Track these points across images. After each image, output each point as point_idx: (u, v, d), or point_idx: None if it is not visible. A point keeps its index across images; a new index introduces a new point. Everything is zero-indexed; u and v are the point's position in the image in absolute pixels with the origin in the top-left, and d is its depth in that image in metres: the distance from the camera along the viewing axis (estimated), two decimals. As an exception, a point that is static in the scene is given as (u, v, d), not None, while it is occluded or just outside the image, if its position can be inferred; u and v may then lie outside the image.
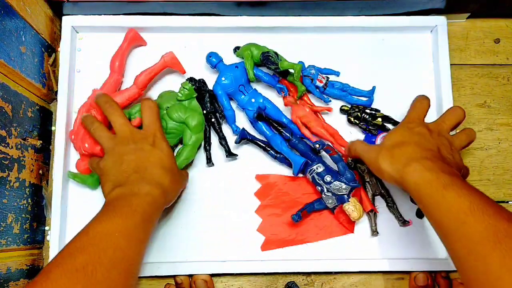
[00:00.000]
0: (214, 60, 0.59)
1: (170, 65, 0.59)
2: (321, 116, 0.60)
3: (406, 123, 0.53)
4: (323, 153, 0.58)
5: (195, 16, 0.61)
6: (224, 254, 0.57)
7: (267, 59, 0.58)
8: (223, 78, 0.58)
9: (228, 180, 0.59)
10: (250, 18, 0.61)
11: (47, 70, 0.61)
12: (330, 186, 0.55)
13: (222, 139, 0.59)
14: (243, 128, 0.58)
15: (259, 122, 0.58)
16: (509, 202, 0.61)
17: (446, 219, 0.42)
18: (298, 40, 0.62)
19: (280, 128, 0.58)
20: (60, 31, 0.61)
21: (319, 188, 0.56)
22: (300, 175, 0.57)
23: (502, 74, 0.64)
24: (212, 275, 0.57)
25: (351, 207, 0.55)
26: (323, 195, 0.56)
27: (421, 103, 0.55)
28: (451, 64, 0.61)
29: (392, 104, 0.61)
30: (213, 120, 0.59)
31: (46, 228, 0.59)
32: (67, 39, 0.60)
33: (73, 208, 0.59)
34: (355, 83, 0.62)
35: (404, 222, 0.57)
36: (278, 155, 0.58)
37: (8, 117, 0.52)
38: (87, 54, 0.62)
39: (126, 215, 0.44)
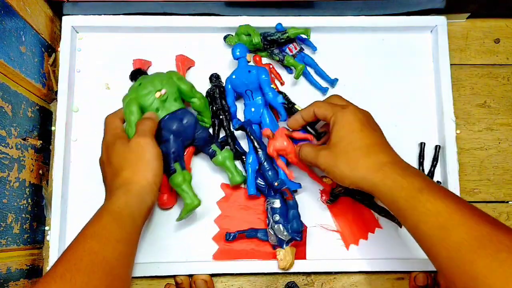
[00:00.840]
0: (237, 53, 0.57)
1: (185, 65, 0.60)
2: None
3: (341, 108, 0.48)
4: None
5: (195, 16, 0.61)
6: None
7: (272, 55, 0.60)
8: (234, 76, 0.57)
9: (227, 180, 0.59)
10: (250, 18, 0.61)
11: (47, 70, 0.61)
12: (275, 226, 0.54)
13: (229, 137, 0.58)
14: (249, 120, 0.57)
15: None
16: (509, 202, 0.61)
17: (423, 224, 0.40)
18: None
19: (258, 148, 0.56)
20: (60, 31, 0.61)
21: (267, 221, 0.56)
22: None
23: (502, 74, 0.64)
24: (212, 275, 0.56)
25: (281, 255, 0.54)
26: (268, 229, 0.55)
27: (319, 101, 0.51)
28: (451, 64, 0.61)
29: (392, 104, 0.61)
30: (221, 117, 0.59)
31: (46, 228, 0.59)
32: (67, 39, 0.60)
33: (73, 208, 0.59)
34: (355, 83, 0.62)
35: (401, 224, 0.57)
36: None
37: (8, 117, 0.52)
38: (87, 54, 0.62)
39: (95, 217, 0.44)
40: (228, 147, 0.58)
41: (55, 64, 0.63)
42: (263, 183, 0.56)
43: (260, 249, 0.57)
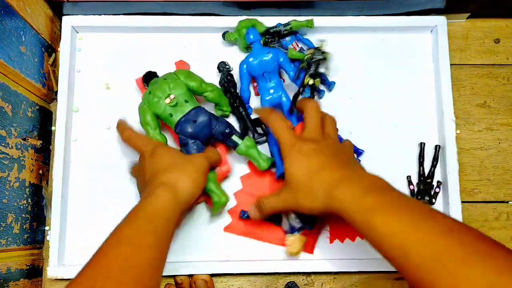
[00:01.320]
0: (251, 37, 0.57)
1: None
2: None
3: (289, 148, 0.49)
4: None
5: (195, 16, 0.61)
6: (224, 254, 0.57)
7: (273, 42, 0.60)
8: (251, 59, 0.57)
9: (227, 180, 0.59)
10: (250, 18, 0.61)
11: (47, 70, 0.61)
12: (290, 213, 0.54)
13: (249, 124, 0.58)
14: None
15: None
16: (509, 202, 0.61)
17: (384, 244, 0.40)
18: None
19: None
20: (60, 31, 0.61)
21: None
22: None
23: (502, 74, 0.64)
24: (212, 275, 0.56)
25: (290, 241, 0.54)
26: (283, 215, 0.55)
27: (278, 123, 0.51)
28: (451, 64, 0.61)
29: (392, 104, 0.61)
30: (236, 104, 0.59)
31: (46, 228, 0.59)
32: (67, 39, 0.60)
33: (73, 208, 0.59)
34: (355, 83, 0.62)
35: None
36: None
37: (8, 117, 0.52)
38: (87, 54, 0.62)
39: (129, 218, 0.43)
40: (249, 135, 0.58)
41: (55, 64, 0.63)
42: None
43: (270, 234, 0.57)
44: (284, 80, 0.60)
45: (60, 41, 0.61)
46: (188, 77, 0.55)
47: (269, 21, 0.61)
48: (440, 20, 0.62)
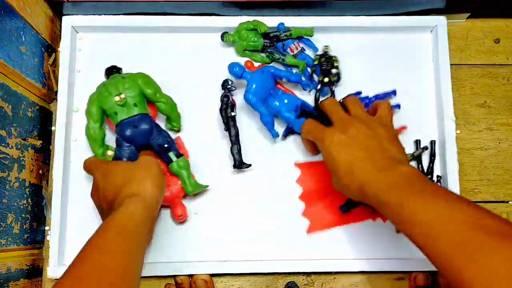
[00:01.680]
0: (238, 70, 0.57)
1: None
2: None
3: (340, 121, 0.50)
4: None
5: (195, 16, 0.61)
6: (224, 254, 0.57)
7: (268, 53, 0.60)
8: (253, 86, 0.56)
9: (227, 180, 0.59)
10: (250, 18, 0.61)
11: (47, 70, 0.61)
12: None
13: (235, 147, 0.58)
14: (287, 127, 0.59)
15: (301, 118, 0.57)
16: (509, 202, 0.61)
17: (412, 235, 0.41)
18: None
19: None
20: (60, 31, 0.61)
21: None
22: None
23: (502, 74, 0.64)
24: (212, 275, 0.56)
25: None
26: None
27: (333, 104, 0.53)
28: (451, 64, 0.61)
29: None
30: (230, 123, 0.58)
31: (46, 228, 0.59)
32: (67, 39, 0.60)
33: (73, 208, 0.59)
34: (355, 83, 0.62)
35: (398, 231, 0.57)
36: None
37: (8, 117, 0.52)
38: (87, 54, 0.62)
39: (101, 230, 0.44)
40: (183, 156, 0.57)
41: (55, 64, 0.63)
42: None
43: (353, 214, 0.58)
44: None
45: (60, 41, 0.61)
46: (146, 83, 0.56)
47: (269, 21, 0.61)
48: (440, 20, 0.62)
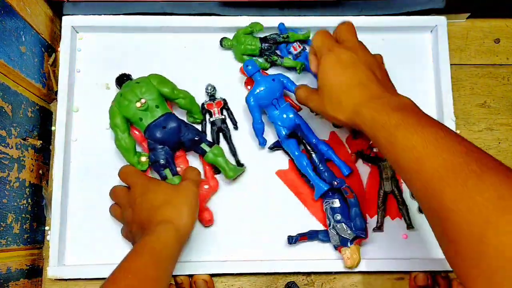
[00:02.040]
0: (251, 69, 0.56)
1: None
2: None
3: (327, 51, 0.49)
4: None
5: (195, 16, 0.61)
6: (224, 254, 0.57)
7: (267, 55, 0.60)
8: (258, 90, 0.56)
9: (227, 180, 0.59)
10: (250, 18, 0.61)
11: (47, 70, 0.61)
12: (337, 225, 0.55)
13: (232, 151, 0.59)
14: (283, 136, 0.57)
15: (290, 139, 0.57)
16: (509, 202, 0.61)
17: (401, 158, 0.41)
18: (298, 40, 0.62)
19: (311, 150, 0.57)
20: (60, 31, 0.61)
21: (328, 221, 0.56)
22: None
23: (502, 74, 0.64)
24: (212, 275, 0.56)
25: (348, 254, 0.54)
26: (329, 229, 0.56)
27: (321, 31, 0.52)
28: (451, 64, 0.61)
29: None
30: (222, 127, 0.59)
31: (46, 228, 0.59)
32: (67, 39, 0.60)
33: (73, 208, 0.59)
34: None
35: (408, 226, 0.57)
36: (302, 176, 0.58)
37: (8, 117, 0.52)
38: (87, 54, 0.62)
39: (135, 253, 0.45)
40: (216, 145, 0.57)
41: (55, 64, 0.63)
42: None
43: (308, 197, 0.58)
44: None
45: (60, 41, 0.61)
46: (161, 82, 0.56)
47: (269, 21, 0.61)
48: (440, 20, 0.62)
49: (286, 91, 0.58)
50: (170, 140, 0.55)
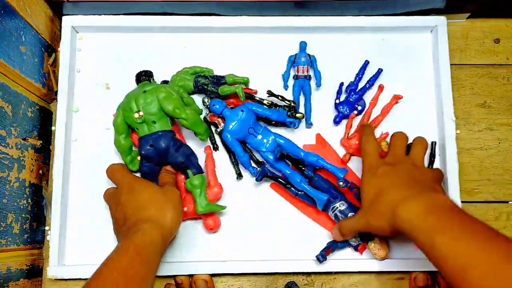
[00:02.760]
0: (217, 107, 0.56)
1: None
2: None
3: (367, 171, 0.53)
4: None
5: (195, 16, 0.61)
6: (224, 254, 0.57)
7: (203, 90, 0.59)
8: (231, 125, 0.56)
9: (228, 181, 0.59)
10: (250, 18, 0.61)
11: (47, 70, 0.61)
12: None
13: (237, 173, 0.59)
14: (264, 165, 0.57)
15: (279, 162, 0.57)
16: (509, 202, 0.61)
17: (444, 265, 0.41)
18: (298, 40, 0.62)
19: (301, 166, 0.57)
20: (60, 31, 0.61)
21: None
22: None
23: (502, 74, 0.64)
24: (212, 275, 0.56)
25: (377, 245, 0.55)
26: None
27: (367, 145, 0.55)
28: (451, 64, 0.61)
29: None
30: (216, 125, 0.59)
31: (46, 228, 0.59)
32: (67, 39, 0.60)
33: (73, 208, 0.59)
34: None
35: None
36: (299, 192, 0.57)
37: (8, 117, 0.52)
38: (87, 54, 0.62)
39: (121, 250, 0.45)
40: (201, 174, 0.56)
41: (55, 64, 0.63)
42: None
43: (307, 206, 0.58)
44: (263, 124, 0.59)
45: (60, 41, 0.61)
46: (166, 98, 0.54)
47: (270, 21, 0.61)
48: (440, 20, 0.62)
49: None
50: (154, 159, 0.55)
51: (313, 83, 0.61)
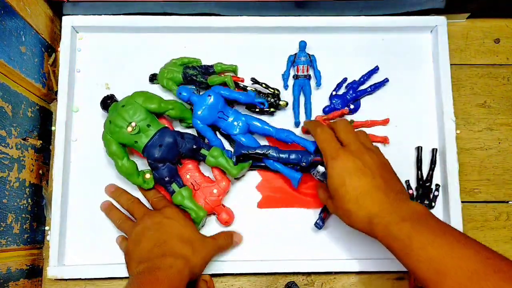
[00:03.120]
0: (185, 95, 0.56)
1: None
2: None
3: (330, 159, 0.49)
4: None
5: (195, 16, 0.61)
6: (224, 254, 0.57)
7: (193, 81, 0.59)
8: (199, 111, 0.55)
9: (239, 185, 0.59)
10: (250, 18, 0.61)
11: (47, 70, 0.61)
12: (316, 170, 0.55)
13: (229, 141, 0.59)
14: (237, 143, 0.57)
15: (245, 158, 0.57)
16: (509, 202, 0.61)
17: (419, 270, 0.41)
18: (298, 40, 0.62)
19: (266, 151, 0.56)
20: (60, 31, 0.61)
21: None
22: None
23: (502, 74, 0.64)
24: (212, 275, 0.56)
25: None
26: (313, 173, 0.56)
27: (322, 132, 0.51)
28: (451, 64, 0.61)
29: (392, 104, 0.61)
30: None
31: (46, 228, 0.59)
32: (67, 39, 0.60)
33: (73, 208, 0.59)
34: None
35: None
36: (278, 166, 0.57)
37: (8, 117, 0.52)
38: (87, 54, 0.62)
39: (152, 283, 0.45)
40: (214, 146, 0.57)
41: (55, 64, 0.63)
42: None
43: (302, 199, 0.59)
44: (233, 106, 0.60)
45: (60, 41, 0.61)
46: (146, 100, 0.54)
47: (269, 21, 0.61)
48: (440, 20, 0.62)
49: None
50: (169, 156, 0.54)
51: (313, 82, 0.61)
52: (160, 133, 0.54)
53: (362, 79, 0.61)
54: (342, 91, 0.61)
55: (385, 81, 0.61)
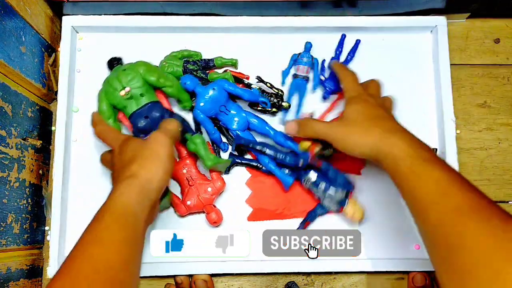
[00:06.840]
0: (189, 84, 0.56)
1: None
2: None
3: (355, 94, 0.52)
4: None
5: (195, 16, 0.61)
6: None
7: (196, 75, 0.59)
8: (202, 103, 0.56)
9: (228, 181, 0.59)
10: (250, 18, 0.61)
11: (47, 70, 0.61)
12: (327, 193, 0.55)
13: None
14: (237, 134, 0.57)
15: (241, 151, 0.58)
16: (509, 202, 0.61)
17: (420, 189, 0.42)
18: (298, 40, 0.62)
19: (262, 148, 0.56)
20: (60, 31, 0.61)
21: (317, 195, 0.56)
22: None
23: (502, 74, 0.64)
24: (212, 275, 0.57)
25: (350, 211, 0.55)
26: (323, 201, 0.56)
27: (349, 75, 0.55)
28: (451, 64, 0.61)
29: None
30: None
31: (46, 228, 0.59)
32: (67, 39, 0.60)
33: (73, 208, 0.59)
34: (355, 83, 0.62)
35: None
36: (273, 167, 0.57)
37: (8, 117, 0.52)
38: (87, 54, 0.62)
39: (95, 219, 0.42)
40: (199, 133, 0.58)
41: (55, 64, 0.63)
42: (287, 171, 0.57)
43: (292, 210, 0.58)
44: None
45: (60, 41, 0.61)
46: (147, 71, 0.56)
47: (269, 21, 0.61)
48: (440, 20, 0.62)
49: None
50: (152, 129, 0.52)
51: (312, 84, 0.61)
52: (150, 105, 0.55)
53: (337, 52, 0.62)
54: (327, 73, 0.61)
55: (358, 42, 0.62)
